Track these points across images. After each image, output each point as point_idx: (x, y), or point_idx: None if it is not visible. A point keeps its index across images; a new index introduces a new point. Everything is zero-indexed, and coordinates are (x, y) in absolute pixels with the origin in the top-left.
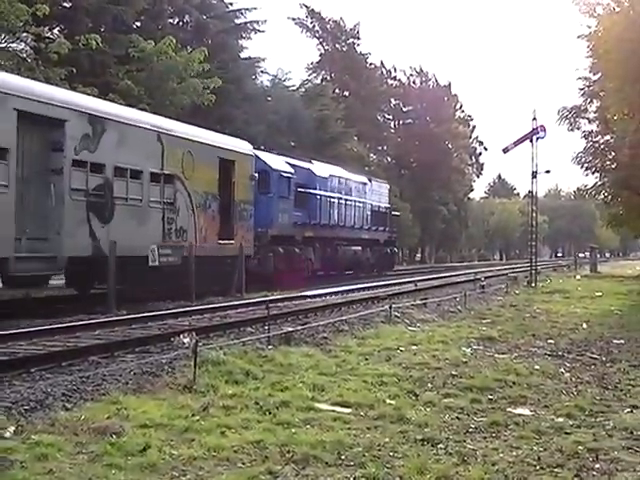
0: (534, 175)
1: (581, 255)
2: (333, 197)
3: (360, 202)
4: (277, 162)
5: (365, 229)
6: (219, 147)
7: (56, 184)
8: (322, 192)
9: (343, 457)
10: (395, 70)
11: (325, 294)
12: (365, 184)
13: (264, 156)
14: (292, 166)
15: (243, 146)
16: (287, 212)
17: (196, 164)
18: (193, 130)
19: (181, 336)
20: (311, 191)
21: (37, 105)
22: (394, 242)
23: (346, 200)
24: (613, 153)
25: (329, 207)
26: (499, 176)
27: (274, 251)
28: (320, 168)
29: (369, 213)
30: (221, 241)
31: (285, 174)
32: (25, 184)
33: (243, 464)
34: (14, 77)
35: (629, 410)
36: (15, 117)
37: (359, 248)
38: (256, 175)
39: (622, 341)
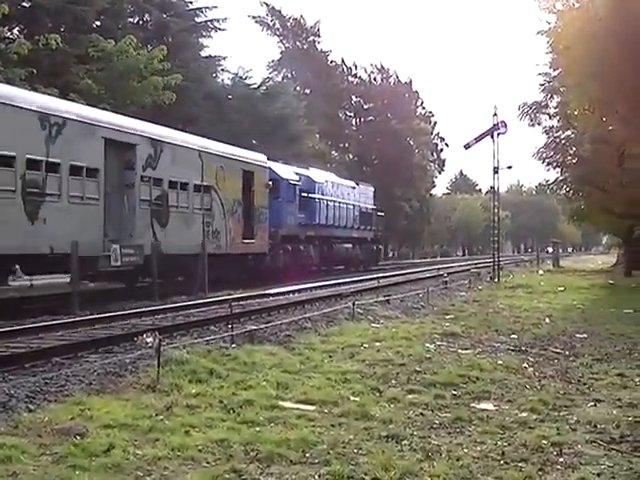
0: (496, 171)
1: (544, 250)
2: (329, 200)
3: (350, 204)
4: (285, 171)
5: (355, 228)
6: (242, 161)
7: (129, 196)
8: (320, 196)
9: (308, 455)
10: (356, 67)
11: (288, 292)
12: (354, 188)
13: (275, 166)
14: (296, 174)
15: (260, 158)
16: (293, 214)
17: (226, 176)
18: (223, 147)
19: (144, 335)
20: (311, 195)
21: (116, 133)
22: (379, 240)
23: (339, 203)
24: (574, 148)
25: (326, 209)
26: (461, 172)
27: (284, 249)
28: (317, 174)
29: (358, 214)
30: (245, 240)
31: (292, 182)
32: (108, 197)
33: (208, 463)
34: (101, 112)
35: (592, 404)
36: (103, 144)
37: (350, 245)
38: (270, 183)
39: (585, 335)
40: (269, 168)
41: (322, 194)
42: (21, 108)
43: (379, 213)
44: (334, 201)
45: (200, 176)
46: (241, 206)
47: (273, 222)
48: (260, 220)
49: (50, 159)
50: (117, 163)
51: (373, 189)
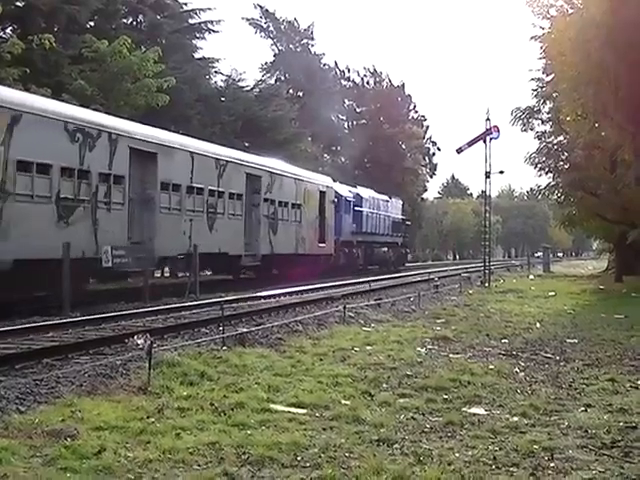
0: (487, 175)
1: (534, 255)
2: (371, 213)
3: (385, 215)
4: (343, 190)
5: (389, 235)
6: (319, 184)
7: (256, 213)
8: (366, 209)
9: (299, 458)
10: (349, 70)
11: (279, 295)
12: (387, 201)
13: (337, 187)
14: (349, 191)
15: (329, 181)
16: (349, 224)
17: (309, 196)
18: (308, 174)
19: (135, 337)
20: (360, 209)
21: (252, 169)
22: (406, 244)
23: (378, 214)
24: (566, 154)
25: (370, 220)
26: (452, 176)
27: (342, 251)
28: (363, 191)
29: (390, 223)
30: (319, 245)
31: (348, 198)
32: (246, 213)
33: (199, 466)
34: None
35: (583, 409)
36: (245, 177)
37: (386, 249)
38: (335, 200)
39: (575, 340)
40: (333, 188)
41: (367, 207)
42: (207, 157)
43: (407, 222)
44: (375, 213)
45: (295, 197)
46: (317, 219)
47: (336, 231)
48: (328, 229)
49: (220, 189)
50: (250, 189)
51: (402, 202)
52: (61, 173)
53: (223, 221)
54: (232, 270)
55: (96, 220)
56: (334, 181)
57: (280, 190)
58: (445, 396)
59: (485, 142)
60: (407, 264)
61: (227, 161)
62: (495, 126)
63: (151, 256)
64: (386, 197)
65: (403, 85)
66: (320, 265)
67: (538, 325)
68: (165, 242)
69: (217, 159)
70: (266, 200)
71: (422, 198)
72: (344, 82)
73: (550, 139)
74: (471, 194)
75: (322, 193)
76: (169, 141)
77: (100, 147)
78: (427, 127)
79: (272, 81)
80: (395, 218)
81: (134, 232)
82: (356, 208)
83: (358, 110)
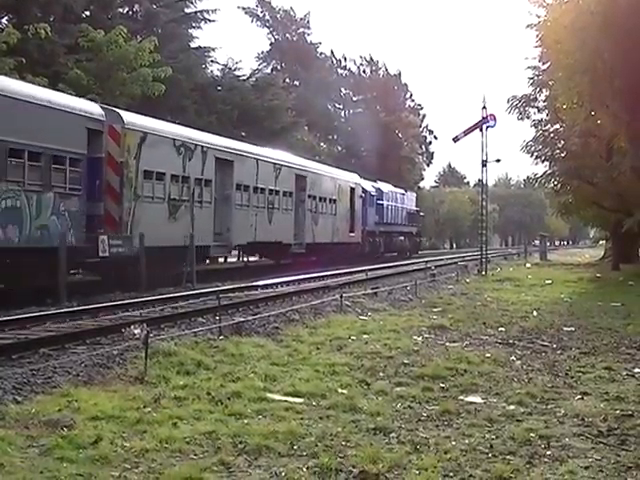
0: (484, 164)
1: (531, 243)
2: (391, 205)
3: (402, 207)
4: (368, 185)
5: (405, 225)
6: (350, 181)
7: (302, 207)
8: (386, 202)
9: (296, 447)
10: (345, 59)
11: (276, 284)
12: (403, 194)
13: (363, 183)
14: (372, 186)
15: (357, 178)
16: (372, 216)
17: (342, 191)
18: (341, 172)
19: (132, 327)
20: (381, 202)
21: (298, 170)
22: (420, 234)
23: (395, 206)
24: (563, 142)
25: (389, 212)
26: (449, 165)
27: (367, 240)
28: (383, 186)
29: (406, 214)
30: (350, 234)
31: (372, 193)
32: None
33: (195, 455)
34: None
35: (580, 397)
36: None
37: (402, 238)
38: (362, 195)
39: (572, 328)
40: (360, 184)
41: (387, 201)
42: (267, 162)
43: (420, 213)
44: (393, 205)
45: (331, 193)
46: (348, 212)
47: (362, 222)
48: (357, 221)
49: (277, 188)
50: (298, 188)
51: (415, 195)
52: (171, 179)
53: (278, 215)
54: (283, 256)
55: (193, 215)
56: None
57: (320, 188)
58: (442, 385)
59: (481, 130)
60: (420, 251)
61: (281, 165)
62: (491, 114)
63: (229, 243)
64: (402, 191)
65: (399, 74)
66: (350, 252)
67: (535, 313)
68: (238, 232)
69: (274, 164)
70: (310, 196)
71: (419, 187)
72: (340, 71)
73: (546, 127)
74: (468, 183)
75: (352, 189)
76: (242, 150)
77: (196, 158)
78: (424, 116)
79: (268, 70)
80: (410, 210)
81: (217, 224)
82: (378, 202)
83: (354, 99)
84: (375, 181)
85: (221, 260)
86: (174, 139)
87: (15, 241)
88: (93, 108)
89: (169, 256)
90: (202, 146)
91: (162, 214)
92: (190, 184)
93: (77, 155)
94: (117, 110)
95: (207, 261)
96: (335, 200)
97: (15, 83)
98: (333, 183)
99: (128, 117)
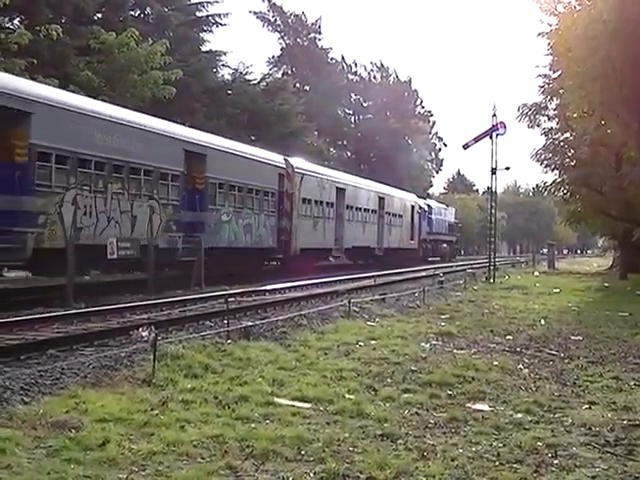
0: (493, 171)
1: (539, 252)
2: (437, 218)
3: (445, 220)
4: (421, 203)
5: (447, 234)
6: (410, 199)
7: (381, 221)
8: (434, 216)
9: (303, 452)
10: (356, 65)
11: (284, 289)
12: (445, 209)
13: (418, 201)
14: (425, 204)
15: (415, 197)
16: (425, 227)
17: (406, 208)
18: (406, 194)
19: (140, 330)
20: (431, 216)
21: (340, 184)
22: (458, 241)
23: (441, 219)
24: (572, 150)
25: (436, 223)
26: (458, 172)
27: (422, 246)
28: (431, 202)
29: (447, 225)
30: (410, 241)
31: (425, 209)
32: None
33: (202, 459)
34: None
35: (587, 406)
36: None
37: (445, 245)
38: (419, 211)
39: (580, 337)
40: (418, 203)
41: (435, 215)
42: (369, 190)
43: (459, 225)
44: (439, 219)
45: (399, 210)
46: (410, 224)
47: (418, 232)
48: (415, 231)
49: (368, 207)
50: (379, 206)
51: (454, 209)
52: (315, 203)
53: (368, 227)
54: (370, 258)
55: (324, 227)
56: (418, 197)
57: (393, 206)
58: (449, 392)
59: (491, 138)
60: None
61: (371, 191)
62: (501, 122)
63: (342, 247)
64: (445, 206)
65: (410, 80)
66: (411, 255)
67: (542, 322)
68: (346, 239)
69: (369, 191)
70: (387, 213)
71: (428, 193)
72: (351, 76)
73: (556, 136)
74: (477, 190)
75: (412, 206)
76: (352, 181)
77: (328, 189)
78: (433, 122)
79: (279, 75)
80: (450, 222)
81: (337, 234)
82: (429, 216)
83: (364, 105)
84: (425, 198)
85: (331, 259)
86: (317, 177)
87: (249, 243)
88: (280, 160)
89: (315, 253)
90: (330, 181)
91: (310, 226)
92: (323, 206)
93: (274, 190)
94: (289, 159)
95: (330, 259)
96: (402, 215)
97: (235, 145)
98: (400, 202)
99: (295, 163)
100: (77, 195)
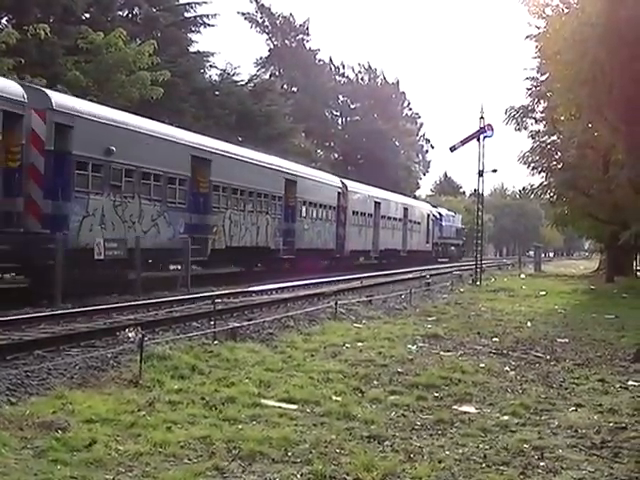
0: (480, 174)
1: (526, 254)
2: (446, 224)
3: (452, 225)
4: (434, 211)
5: (454, 238)
6: (426, 208)
7: (406, 228)
8: (444, 223)
9: (290, 454)
10: (344, 67)
11: (271, 290)
12: (454, 216)
13: (432, 209)
14: (437, 212)
15: (429, 206)
16: (437, 232)
17: (422, 216)
18: (423, 204)
19: (127, 330)
20: (441, 222)
21: (378, 199)
22: (463, 244)
23: (449, 225)
24: (560, 153)
25: (445, 229)
26: (445, 174)
27: (434, 249)
28: (442, 210)
29: (455, 230)
30: (426, 244)
31: (437, 216)
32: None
33: (189, 460)
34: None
35: (573, 409)
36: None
37: (453, 247)
38: (433, 218)
39: (566, 340)
40: (432, 211)
41: (445, 221)
42: (397, 202)
43: (464, 229)
44: (448, 224)
45: (418, 217)
46: (425, 229)
47: (432, 236)
48: (430, 235)
49: (396, 216)
50: (404, 215)
51: (461, 216)
52: (360, 214)
53: (395, 232)
54: (396, 259)
55: (365, 233)
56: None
57: (414, 214)
58: (436, 394)
59: (479, 140)
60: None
61: (397, 202)
62: (489, 124)
63: (377, 250)
64: (453, 213)
65: (397, 82)
66: (426, 256)
67: (529, 324)
68: (380, 243)
69: (396, 203)
70: (409, 220)
71: (415, 195)
72: (338, 78)
73: (544, 138)
74: (464, 192)
75: (427, 215)
76: (385, 197)
77: (369, 203)
78: (421, 124)
79: (267, 76)
80: (457, 227)
81: (374, 239)
82: (440, 222)
83: (352, 106)
84: (435, 207)
85: (361, 259)
86: (361, 194)
87: (320, 245)
88: (338, 181)
89: (359, 254)
90: (370, 196)
91: (356, 233)
92: (365, 216)
93: (334, 205)
94: (342, 179)
95: (360, 259)
96: (420, 222)
97: (315, 172)
98: (419, 211)
99: (347, 183)
100: (232, 213)
